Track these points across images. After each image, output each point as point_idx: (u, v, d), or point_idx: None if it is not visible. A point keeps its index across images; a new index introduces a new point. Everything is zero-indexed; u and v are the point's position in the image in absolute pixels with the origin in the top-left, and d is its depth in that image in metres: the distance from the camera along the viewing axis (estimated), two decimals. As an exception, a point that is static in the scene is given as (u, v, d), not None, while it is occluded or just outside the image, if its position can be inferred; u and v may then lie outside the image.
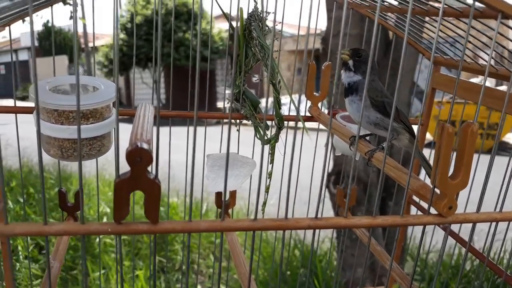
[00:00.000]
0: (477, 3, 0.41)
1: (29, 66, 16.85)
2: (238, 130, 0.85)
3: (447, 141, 0.43)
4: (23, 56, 17.34)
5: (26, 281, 2.09)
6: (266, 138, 0.82)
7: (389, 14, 0.78)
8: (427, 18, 0.73)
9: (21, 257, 2.28)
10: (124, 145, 0.38)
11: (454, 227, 0.78)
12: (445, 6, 0.42)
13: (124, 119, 0.67)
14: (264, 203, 0.85)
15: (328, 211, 1.96)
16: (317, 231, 0.50)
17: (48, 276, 0.44)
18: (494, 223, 0.58)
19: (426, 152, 0.82)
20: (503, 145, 6.47)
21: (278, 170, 0.86)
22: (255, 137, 0.84)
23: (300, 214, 0.60)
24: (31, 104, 0.75)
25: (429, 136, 1.05)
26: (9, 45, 0.80)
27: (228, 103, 0.87)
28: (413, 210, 0.95)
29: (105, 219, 2.91)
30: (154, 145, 0.41)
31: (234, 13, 0.79)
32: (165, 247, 2.62)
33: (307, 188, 0.94)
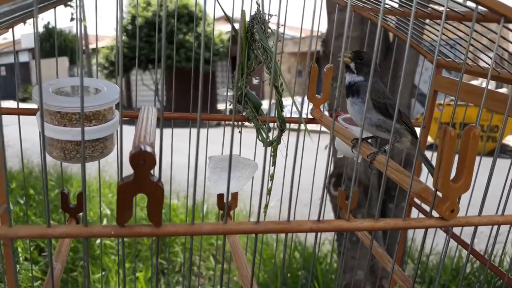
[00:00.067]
0: (479, 7, 0.41)
1: (29, 68, 16.86)
2: (240, 132, 0.86)
3: (449, 144, 0.43)
4: (24, 57, 17.35)
5: (26, 283, 2.08)
6: (268, 140, 0.82)
7: (389, 16, 0.78)
8: (427, 21, 0.73)
9: (21, 259, 2.27)
10: (126, 147, 0.38)
11: (456, 229, 0.78)
12: (447, 9, 0.43)
13: (126, 121, 0.67)
14: (266, 206, 0.85)
15: (328, 213, 1.96)
16: (318, 233, 0.50)
17: (51, 277, 0.44)
18: (495, 226, 0.58)
19: (427, 154, 0.82)
20: (503, 148, 6.47)
21: (279, 172, 0.86)
22: (257, 139, 0.84)
23: (300, 216, 0.59)
24: (33, 105, 0.75)
25: (429, 139, 1.05)
26: (8, 46, 0.81)
27: (230, 105, 0.87)
28: (414, 211, 0.95)
29: (105, 221, 2.91)
30: (157, 148, 0.42)
31: (236, 15, 0.79)
32: (165, 249, 2.61)
33: (307, 190, 0.94)
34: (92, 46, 12.91)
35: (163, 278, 2.43)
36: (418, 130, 0.79)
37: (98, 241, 2.54)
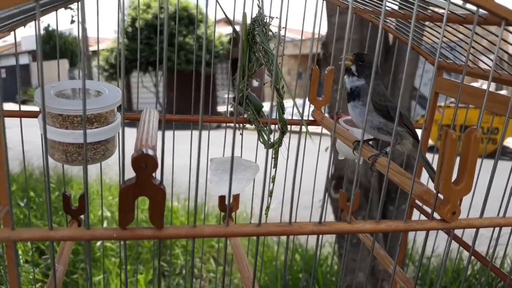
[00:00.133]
0: (480, 10, 0.41)
1: (29, 70, 16.87)
2: (242, 134, 0.86)
3: (450, 146, 0.43)
4: (24, 60, 17.37)
5: (27, 286, 2.08)
6: (269, 142, 0.82)
7: (389, 18, 0.78)
8: (427, 23, 0.73)
9: (21, 261, 2.27)
10: (128, 149, 0.38)
11: (457, 231, 0.78)
12: (448, 12, 0.43)
13: (127, 123, 0.67)
14: (268, 207, 0.85)
15: (328, 215, 1.96)
16: (320, 236, 0.50)
17: (53, 279, 0.44)
18: (497, 228, 0.58)
19: (428, 157, 0.82)
20: (503, 150, 6.47)
21: (279, 174, 0.86)
22: (258, 141, 0.84)
23: (301, 219, 0.60)
24: (33, 108, 0.75)
25: (430, 141, 1.05)
26: (8, 49, 0.81)
27: (231, 107, 0.87)
28: (415, 214, 0.95)
29: (105, 223, 2.91)
30: (158, 150, 0.42)
31: (237, 17, 0.79)
32: (166, 251, 2.61)
33: (307, 193, 0.94)
34: (92, 48, 12.91)
35: (164, 280, 2.42)
36: (419, 132, 0.79)
37: (99, 243, 2.54)
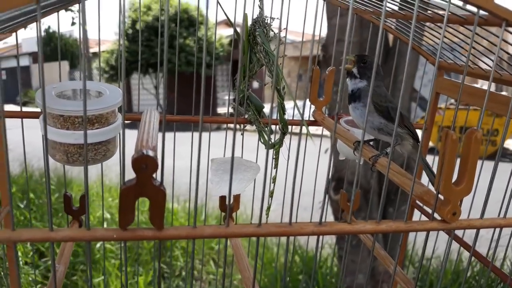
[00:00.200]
0: (481, 11, 0.41)
1: (30, 72, 16.89)
2: (242, 134, 0.86)
3: (451, 147, 0.43)
4: (24, 62, 17.38)
5: (26, 287, 2.08)
6: (270, 142, 0.82)
7: (389, 19, 0.78)
8: (427, 24, 0.73)
9: (21, 263, 2.27)
10: (128, 150, 0.38)
11: (457, 233, 0.78)
12: (449, 13, 0.43)
13: (127, 125, 0.68)
14: (268, 208, 0.85)
15: (328, 217, 1.96)
16: (320, 237, 0.50)
17: (54, 280, 0.44)
18: (498, 229, 0.58)
19: (428, 158, 0.82)
20: (503, 152, 6.46)
21: (279, 176, 0.86)
22: (259, 142, 0.84)
23: (301, 220, 0.60)
24: (34, 109, 0.75)
25: (430, 143, 1.05)
26: (8, 51, 0.81)
27: (232, 107, 0.87)
28: (415, 215, 0.95)
29: (105, 225, 2.91)
30: (159, 151, 0.42)
31: (238, 19, 0.80)
32: (165, 253, 2.61)
33: (307, 194, 0.94)
34: (92, 50, 12.92)
35: (164, 282, 2.42)
36: (419, 132, 0.79)
37: (98, 245, 2.53)
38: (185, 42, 9.88)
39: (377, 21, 0.80)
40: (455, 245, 0.81)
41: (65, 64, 15.03)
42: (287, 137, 0.85)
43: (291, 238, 1.87)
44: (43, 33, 14.67)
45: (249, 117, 0.84)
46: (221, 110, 11.30)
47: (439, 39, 0.71)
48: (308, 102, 0.88)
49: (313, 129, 0.87)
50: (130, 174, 0.40)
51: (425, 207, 0.90)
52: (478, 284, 1.81)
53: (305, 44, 0.88)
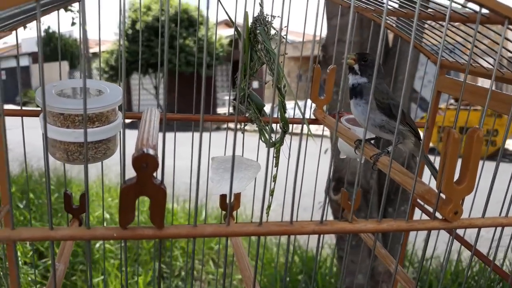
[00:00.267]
0: (483, 9, 0.41)
1: (29, 72, 16.89)
2: (243, 133, 0.86)
3: (453, 146, 0.43)
4: (24, 61, 17.38)
5: (25, 287, 2.08)
6: (271, 141, 0.82)
7: (390, 17, 0.78)
8: (427, 22, 0.73)
9: (20, 262, 2.26)
10: (128, 149, 0.38)
11: (459, 232, 0.77)
12: (451, 11, 0.43)
13: (127, 125, 0.67)
14: (269, 207, 0.85)
15: (328, 217, 1.95)
16: (320, 236, 0.50)
17: (53, 279, 0.44)
18: (499, 229, 0.57)
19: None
20: (503, 152, 6.46)
21: (279, 176, 0.86)
22: (260, 141, 0.84)
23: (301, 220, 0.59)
24: (33, 109, 0.75)
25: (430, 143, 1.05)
26: (8, 51, 0.81)
27: (233, 105, 0.87)
28: (416, 214, 0.94)
29: (105, 225, 2.91)
30: (159, 150, 0.41)
31: (238, 19, 0.79)
32: (165, 253, 2.61)
33: (307, 195, 0.93)
34: (92, 50, 12.91)
35: (163, 282, 2.42)
36: (421, 131, 0.78)
37: (98, 245, 2.53)
38: (185, 43, 9.89)
39: (378, 19, 0.80)
40: (454, 246, 0.81)
41: (65, 64, 15.04)
42: (287, 136, 0.85)
43: (291, 238, 1.87)
44: (42, 34, 14.69)
45: (250, 115, 0.84)
46: (221, 110, 11.31)
47: (440, 37, 0.70)
48: (308, 102, 0.88)
49: (313, 129, 0.87)
50: (130, 174, 0.40)
51: (426, 206, 0.90)
52: (478, 285, 1.81)
53: (305, 44, 0.88)
